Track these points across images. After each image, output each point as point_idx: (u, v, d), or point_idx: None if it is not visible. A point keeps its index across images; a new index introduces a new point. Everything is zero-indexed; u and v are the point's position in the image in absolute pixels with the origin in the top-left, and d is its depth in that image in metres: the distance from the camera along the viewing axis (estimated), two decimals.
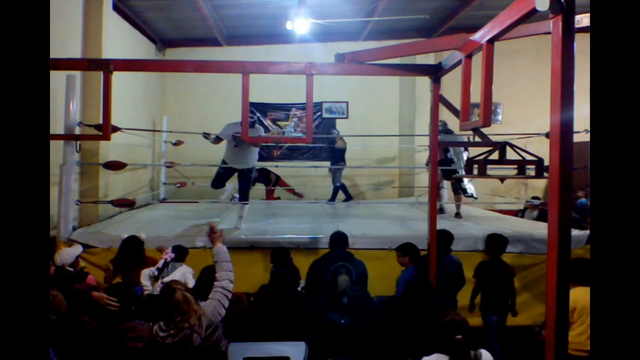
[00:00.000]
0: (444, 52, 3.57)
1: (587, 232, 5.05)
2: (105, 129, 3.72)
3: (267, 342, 3.06)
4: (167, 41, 9.55)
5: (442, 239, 3.97)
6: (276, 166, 8.84)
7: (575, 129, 1.97)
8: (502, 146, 3.03)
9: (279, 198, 8.80)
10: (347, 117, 9.98)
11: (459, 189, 6.72)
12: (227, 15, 8.27)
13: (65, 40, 5.85)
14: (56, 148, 4.90)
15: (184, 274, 3.57)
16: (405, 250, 4.08)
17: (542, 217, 7.24)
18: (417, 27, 8.87)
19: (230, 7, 7.84)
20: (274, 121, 9.93)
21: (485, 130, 3.23)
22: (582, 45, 1.87)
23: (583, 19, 2.53)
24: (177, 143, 8.62)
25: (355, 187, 9.79)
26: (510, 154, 3.02)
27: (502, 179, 3.17)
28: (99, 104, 3.99)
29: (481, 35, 2.71)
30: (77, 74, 5.42)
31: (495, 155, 3.01)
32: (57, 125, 5.00)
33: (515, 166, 3.05)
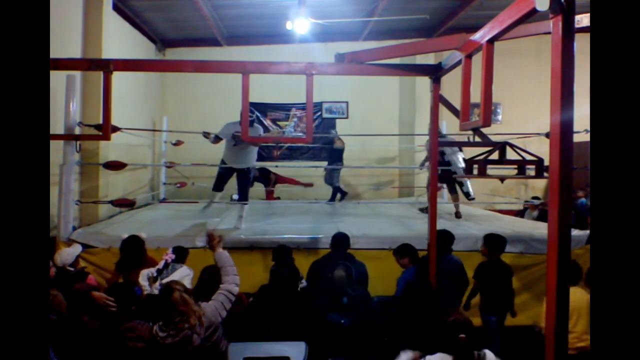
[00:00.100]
0: (444, 52, 3.57)
1: (587, 232, 5.05)
2: (105, 129, 3.72)
3: (267, 342, 3.06)
4: (167, 41, 9.55)
5: (443, 239, 3.97)
6: (276, 166, 8.84)
7: (575, 129, 1.97)
8: (502, 146, 3.03)
9: (279, 198, 8.80)
10: (347, 117, 9.97)
11: (455, 189, 6.73)
12: (227, 15, 8.27)
13: (65, 40, 5.85)
14: (56, 148, 4.90)
15: (182, 276, 3.57)
16: (404, 251, 4.08)
17: (542, 217, 7.25)
18: (417, 27, 8.87)
19: (230, 7, 7.84)
20: (274, 121, 9.93)
21: (485, 130, 3.23)
22: (582, 45, 1.87)
23: (583, 19, 2.53)
24: (177, 143, 8.62)
25: (356, 187, 9.79)
26: (510, 154, 3.02)
27: (502, 179, 3.17)
28: (99, 104, 3.98)
29: (481, 35, 2.71)
30: (77, 74, 5.42)
31: (495, 155, 3.01)
32: (57, 125, 5.00)
33: (515, 166, 3.05)
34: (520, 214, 8.42)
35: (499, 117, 9.96)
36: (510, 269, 4.07)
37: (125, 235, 4.17)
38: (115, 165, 5.62)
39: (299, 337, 3.12)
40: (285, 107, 9.92)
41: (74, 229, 5.12)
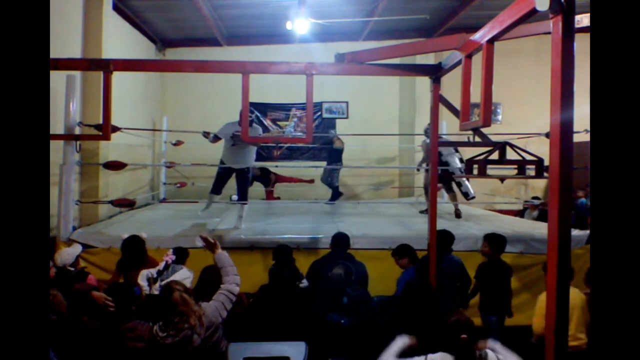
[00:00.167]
0: (444, 52, 3.57)
1: (587, 232, 5.05)
2: (105, 129, 3.72)
3: (267, 342, 3.06)
4: (167, 41, 9.54)
5: (443, 239, 3.97)
6: (276, 166, 8.84)
7: (575, 129, 1.98)
8: (502, 146, 3.03)
9: (279, 198, 8.80)
10: (347, 117, 9.97)
11: (451, 189, 6.73)
12: (227, 15, 8.27)
13: (65, 40, 5.85)
14: (56, 148, 4.90)
15: (182, 278, 3.56)
16: (402, 251, 4.08)
17: (542, 217, 7.25)
18: (417, 27, 8.87)
19: (230, 7, 7.84)
20: (274, 121, 9.93)
21: (485, 130, 3.23)
22: (582, 45, 1.87)
23: (583, 19, 2.53)
24: (177, 143, 8.62)
25: (356, 187, 9.79)
26: (510, 154, 3.02)
27: (502, 179, 3.17)
28: (99, 104, 3.98)
29: (481, 35, 2.71)
30: (77, 74, 5.42)
31: (495, 155, 3.01)
32: (57, 125, 5.00)
33: (515, 166, 3.05)
34: (520, 214, 8.42)
35: (499, 117, 9.96)
36: (510, 269, 4.07)
37: (126, 235, 4.17)
38: (115, 165, 5.63)
39: (299, 337, 3.12)
40: (285, 107, 9.92)
41: (74, 229, 5.12)
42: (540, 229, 5.37)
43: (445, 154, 6.50)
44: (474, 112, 3.25)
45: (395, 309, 3.42)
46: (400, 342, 2.64)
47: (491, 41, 2.64)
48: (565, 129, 1.91)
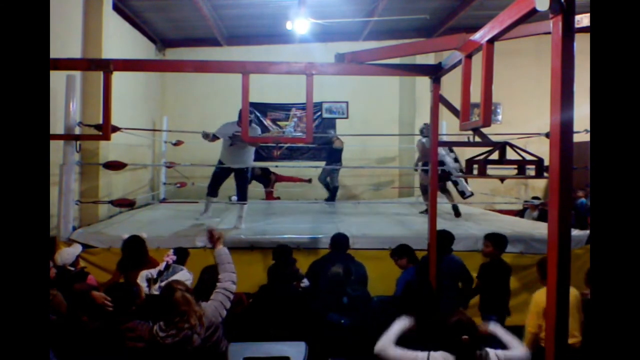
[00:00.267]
0: (444, 52, 3.57)
1: (587, 232, 5.05)
2: (105, 129, 3.71)
3: (267, 342, 3.06)
4: (167, 41, 9.54)
5: (443, 239, 3.97)
6: (276, 166, 8.85)
7: (575, 129, 1.97)
8: (502, 146, 3.03)
9: (279, 198, 8.81)
10: (347, 117, 9.97)
11: (446, 189, 6.75)
12: (227, 15, 8.27)
13: (65, 40, 5.85)
14: (56, 148, 4.89)
15: (182, 280, 3.56)
16: (401, 252, 4.09)
17: (542, 217, 7.25)
18: (417, 27, 8.87)
19: (230, 7, 7.84)
20: (274, 121, 9.93)
21: (485, 130, 3.23)
22: (582, 45, 1.86)
23: (583, 19, 2.53)
24: (177, 143, 8.62)
25: (355, 187, 9.79)
26: (510, 154, 3.02)
27: (502, 179, 3.17)
28: (99, 104, 3.98)
29: (481, 35, 2.71)
30: (77, 74, 5.42)
31: (495, 155, 3.01)
32: (57, 125, 5.00)
33: (515, 166, 3.05)
34: (520, 214, 8.42)
35: (499, 117, 9.96)
36: (510, 268, 4.08)
37: (126, 236, 4.16)
38: (115, 165, 5.63)
39: (299, 337, 3.12)
40: (285, 107, 9.92)
41: (74, 229, 5.12)
42: (540, 229, 5.37)
43: (443, 153, 6.51)
44: (474, 112, 3.25)
45: (395, 309, 3.43)
46: (399, 325, 2.64)
47: (491, 41, 2.64)
48: (565, 129, 1.91)
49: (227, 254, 3.07)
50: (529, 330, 3.28)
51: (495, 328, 2.66)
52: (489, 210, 7.68)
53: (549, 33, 1.99)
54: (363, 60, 3.58)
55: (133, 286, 3.49)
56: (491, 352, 2.34)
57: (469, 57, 2.99)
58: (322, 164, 8.50)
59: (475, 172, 2.96)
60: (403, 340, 2.52)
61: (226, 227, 5.53)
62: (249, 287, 3.89)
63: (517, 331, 4.06)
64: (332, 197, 8.10)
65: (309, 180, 8.80)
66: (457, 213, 6.53)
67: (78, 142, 5.04)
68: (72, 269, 3.89)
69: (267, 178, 8.54)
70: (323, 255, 4.27)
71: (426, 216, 5.90)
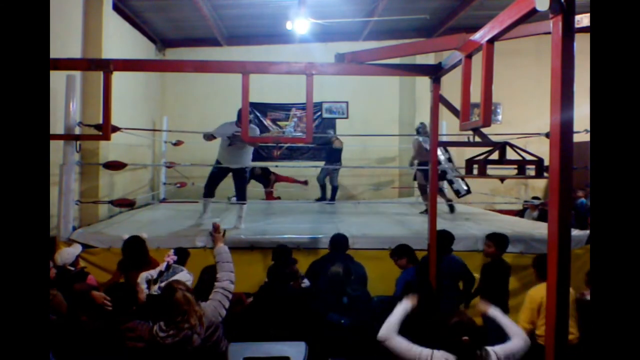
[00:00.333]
0: (444, 52, 3.57)
1: (587, 232, 5.05)
2: (105, 129, 3.71)
3: (267, 342, 3.06)
4: (167, 41, 9.54)
5: (443, 239, 3.97)
6: (276, 166, 8.85)
7: (575, 129, 1.97)
8: (502, 146, 3.03)
9: (279, 198, 8.81)
10: (347, 117, 9.97)
11: (439, 188, 6.79)
12: (227, 15, 8.27)
13: (65, 40, 5.85)
14: (56, 148, 4.89)
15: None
16: (401, 252, 4.08)
17: (542, 217, 7.25)
18: (417, 27, 8.87)
19: (230, 7, 7.84)
20: (274, 121, 9.93)
21: (485, 130, 3.23)
22: (582, 45, 1.87)
23: (583, 19, 2.53)
24: (177, 143, 8.62)
25: (355, 187, 9.79)
26: (510, 154, 3.02)
27: (502, 179, 3.17)
28: (99, 104, 3.98)
29: (481, 35, 2.71)
30: (77, 74, 5.42)
31: (495, 155, 3.01)
32: (57, 125, 5.00)
33: (515, 166, 3.05)
34: (520, 214, 8.42)
35: (499, 117, 9.96)
36: (510, 268, 4.08)
37: (127, 236, 4.16)
38: (115, 165, 5.62)
39: (299, 337, 3.12)
40: (285, 107, 9.92)
41: (74, 229, 5.12)
42: (540, 229, 5.37)
43: (438, 153, 6.52)
44: (474, 112, 3.25)
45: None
46: (401, 309, 2.63)
47: (491, 41, 2.64)
48: (565, 129, 1.91)
49: (227, 252, 3.07)
50: (522, 325, 3.30)
51: (495, 312, 2.69)
52: (489, 210, 7.69)
53: (549, 33, 1.99)
54: (363, 60, 3.58)
55: (134, 286, 3.49)
56: (491, 351, 2.34)
57: (469, 57, 2.99)
58: (322, 164, 8.50)
59: (475, 172, 2.96)
60: (405, 330, 2.52)
61: (226, 227, 5.52)
62: (249, 287, 3.89)
63: None
64: (332, 197, 8.11)
65: (305, 182, 8.79)
66: (452, 209, 6.61)
67: (78, 142, 5.04)
68: (72, 269, 3.89)
69: (267, 178, 8.54)
70: (323, 256, 4.27)
71: (426, 216, 5.91)
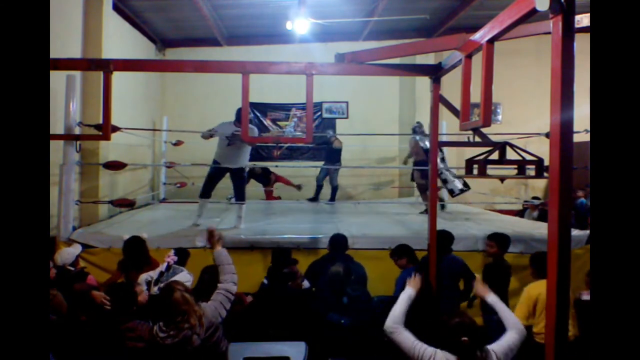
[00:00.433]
0: (444, 52, 3.57)
1: (587, 232, 5.05)
2: (105, 129, 3.71)
3: (267, 342, 3.06)
4: (167, 41, 9.55)
5: (442, 239, 3.97)
6: (276, 166, 8.84)
7: (575, 129, 1.97)
8: (502, 146, 3.03)
9: (279, 198, 8.80)
10: (347, 117, 9.97)
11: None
12: (227, 15, 8.27)
13: (65, 40, 5.85)
14: (56, 148, 4.89)
15: (182, 281, 3.56)
16: (401, 252, 4.08)
17: (542, 217, 7.25)
18: (417, 27, 8.87)
19: (230, 7, 7.84)
20: (274, 121, 9.93)
21: (485, 130, 3.23)
22: (582, 45, 1.86)
23: (583, 19, 2.53)
24: (177, 143, 8.62)
25: (355, 187, 9.79)
26: (510, 154, 3.02)
27: (502, 179, 3.17)
28: (99, 104, 3.98)
29: (481, 35, 2.71)
30: (77, 74, 5.42)
31: (495, 155, 3.01)
32: (57, 125, 5.00)
33: (515, 166, 3.05)
34: (520, 214, 8.42)
35: (499, 117, 9.96)
36: (511, 268, 4.09)
37: (127, 236, 4.16)
38: (115, 165, 5.62)
39: (299, 337, 3.12)
40: (285, 107, 9.92)
41: (74, 229, 5.12)
42: (540, 229, 5.37)
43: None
44: (474, 112, 3.25)
45: None
46: (405, 298, 2.63)
47: (491, 41, 2.64)
48: (565, 129, 1.91)
49: (227, 255, 3.07)
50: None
51: (493, 299, 2.69)
52: (489, 210, 7.69)
53: (549, 33, 1.99)
54: (363, 60, 3.58)
55: (133, 286, 3.48)
56: (490, 351, 2.34)
57: (469, 57, 2.99)
58: (322, 164, 8.50)
59: (475, 172, 2.96)
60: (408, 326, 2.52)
61: (226, 227, 5.53)
62: (249, 287, 3.89)
63: None
64: (332, 197, 8.11)
65: (299, 187, 8.69)
66: (442, 206, 6.74)
67: (78, 142, 5.04)
68: (72, 269, 3.89)
69: (267, 178, 8.54)
70: (322, 256, 4.27)
71: (426, 216, 5.90)
